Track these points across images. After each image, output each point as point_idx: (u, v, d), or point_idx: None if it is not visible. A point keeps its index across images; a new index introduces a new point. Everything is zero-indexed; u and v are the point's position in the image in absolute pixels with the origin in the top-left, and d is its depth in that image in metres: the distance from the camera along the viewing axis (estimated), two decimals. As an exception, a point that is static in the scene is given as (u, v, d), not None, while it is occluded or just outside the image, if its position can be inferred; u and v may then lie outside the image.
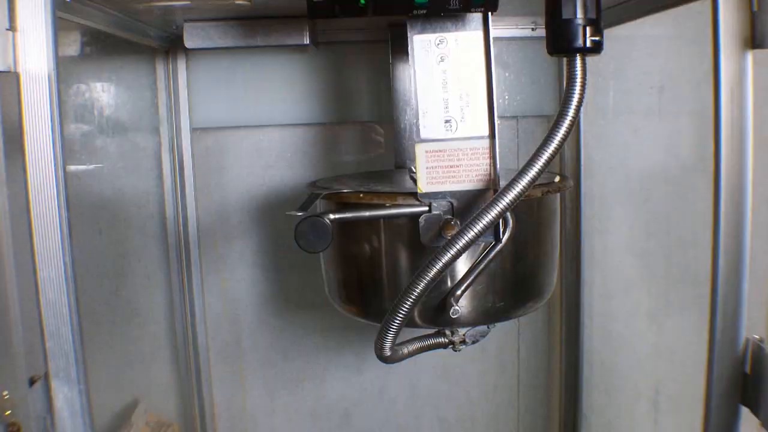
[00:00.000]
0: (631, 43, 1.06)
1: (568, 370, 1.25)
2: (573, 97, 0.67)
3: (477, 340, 0.84)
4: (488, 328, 0.83)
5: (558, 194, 0.86)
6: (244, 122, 1.21)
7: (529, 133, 1.23)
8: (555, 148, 0.67)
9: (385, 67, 1.05)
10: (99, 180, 1.03)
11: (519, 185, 0.67)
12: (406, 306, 0.70)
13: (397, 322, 0.71)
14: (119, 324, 1.10)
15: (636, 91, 1.08)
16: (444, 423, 1.34)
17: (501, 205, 0.67)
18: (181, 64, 1.18)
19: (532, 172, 0.67)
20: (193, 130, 1.20)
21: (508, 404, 1.34)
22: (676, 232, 0.99)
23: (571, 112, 0.67)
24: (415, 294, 0.69)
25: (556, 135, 0.67)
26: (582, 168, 1.17)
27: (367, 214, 0.77)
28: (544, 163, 0.67)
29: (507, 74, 1.20)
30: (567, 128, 0.67)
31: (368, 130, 1.22)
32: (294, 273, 1.26)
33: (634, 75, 1.09)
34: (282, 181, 1.23)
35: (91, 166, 1.01)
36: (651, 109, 1.03)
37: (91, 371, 1.04)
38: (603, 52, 0.67)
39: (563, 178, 0.86)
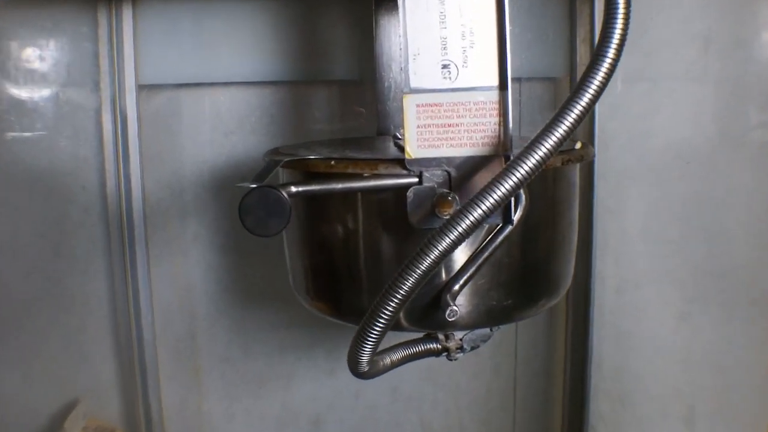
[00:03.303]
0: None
1: (574, 374, 1.14)
2: (614, 32, 0.52)
3: (477, 346, 0.70)
4: (491, 331, 0.69)
5: (578, 165, 0.72)
6: (201, 79, 1.05)
7: (535, 98, 1.10)
8: (590, 99, 0.52)
9: (367, 17, 0.90)
10: (28, 146, 0.95)
11: (540, 150, 0.52)
12: (390, 308, 0.54)
13: (378, 328, 0.55)
14: (53, 314, 1.02)
15: (663, 51, 0.96)
16: (429, 431, 1.23)
17: (516, 177, 0.52)
18: (127, 9, 1.01)
19: (560, 132, 0.52)
20: (140, 87, 1.03)
21: (503, 410, 1.24)
22: (707, 217, 0.89)
23: (611, 53, 0.52)
24: (402, 292, 0.53)
25: (592, 82, 0.52)
26: (596, 140, 1.05)
27: (339, 186, 0.62)
28: (575, 120, 0.52)
29: (510, 28, 1.05)
30: (606, 73, 0.52)
31: (346, 90, 1.08)
32: (258, 257, 1.12)
33: (659, 33, 0.97)
34: (245, 150, 1.08)
35: (19, 131, 0.93)
36: (680, 72, 0.93)
37: (20, 367, 1.01)
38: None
39: (585, 145, 0.72)
